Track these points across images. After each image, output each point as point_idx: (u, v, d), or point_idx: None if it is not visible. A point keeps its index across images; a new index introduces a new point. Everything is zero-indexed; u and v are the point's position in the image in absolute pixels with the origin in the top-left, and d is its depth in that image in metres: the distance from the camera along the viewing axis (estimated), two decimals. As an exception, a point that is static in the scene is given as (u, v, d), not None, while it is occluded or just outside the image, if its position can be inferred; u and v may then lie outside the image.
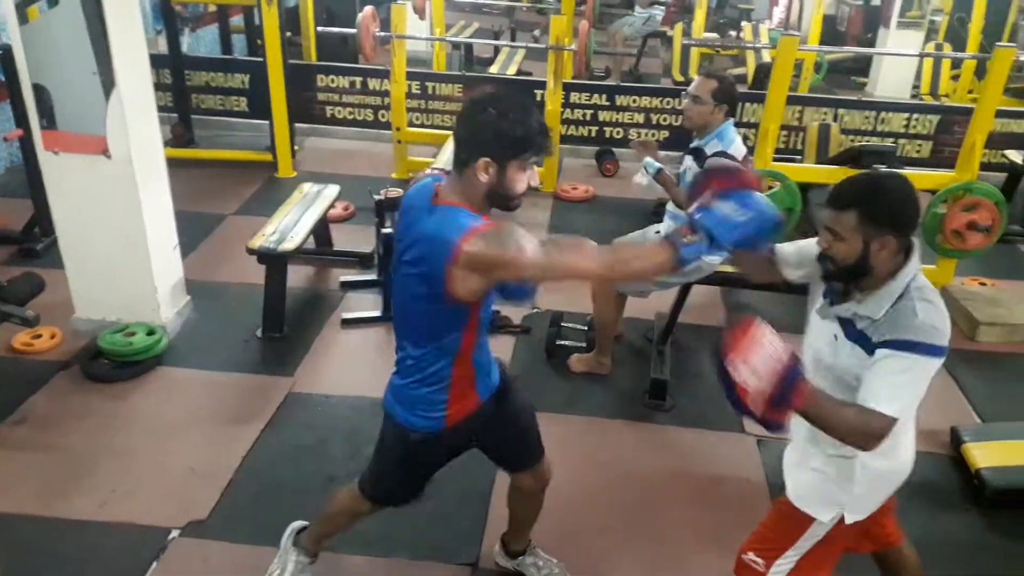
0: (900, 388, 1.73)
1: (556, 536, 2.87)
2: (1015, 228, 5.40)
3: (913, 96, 8.62)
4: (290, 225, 4.13)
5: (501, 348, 3.98)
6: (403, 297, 1.99)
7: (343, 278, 4.51)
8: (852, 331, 1.86)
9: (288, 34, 6.52)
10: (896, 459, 1.97)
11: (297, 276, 4.48)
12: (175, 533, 2.78)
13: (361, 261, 4.74)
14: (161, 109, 4.01)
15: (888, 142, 6.53)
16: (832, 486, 1.97)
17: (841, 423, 1.70)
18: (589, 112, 6.75)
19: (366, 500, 2.31)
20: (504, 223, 1.84)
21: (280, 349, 3.92)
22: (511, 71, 8.02)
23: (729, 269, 3.66)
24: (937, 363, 1.74)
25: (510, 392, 2.25)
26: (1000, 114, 6.05)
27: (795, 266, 2.07)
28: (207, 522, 2.84)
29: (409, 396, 2.08)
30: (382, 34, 5.92)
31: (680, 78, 8.41)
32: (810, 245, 1.99)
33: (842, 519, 1.97)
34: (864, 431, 1.70)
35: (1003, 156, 6.01)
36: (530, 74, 8.11)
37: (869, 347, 1.80)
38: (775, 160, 4.72)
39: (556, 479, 3.13)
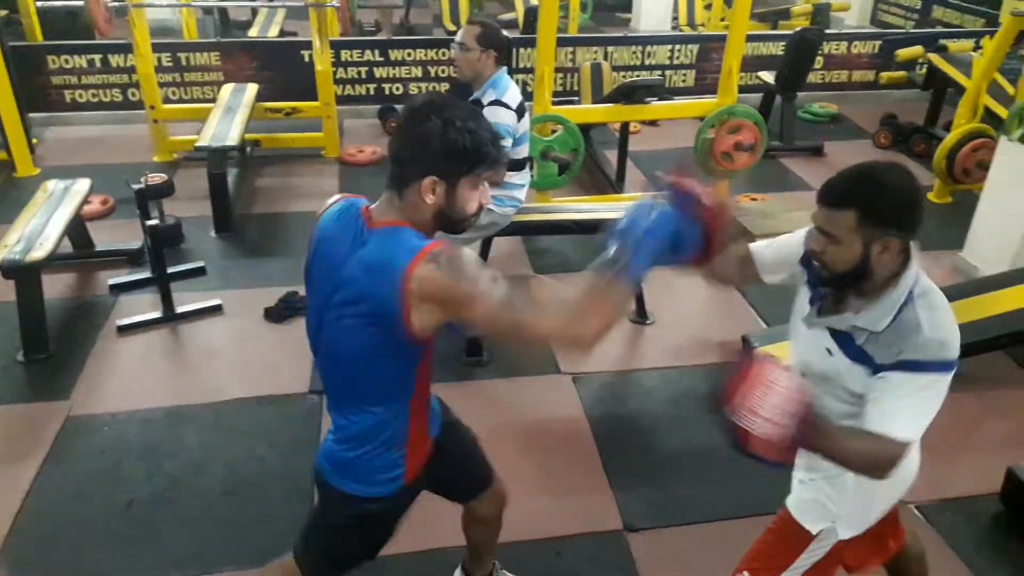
0: (915, 411, 1.56)
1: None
2: (775, 144, 5.85)
3: (673, 28, 9.08)
4: (37, 230, 3.64)
5: (299, 332, 3.75)
6: (339, 351, 1.66)
7: (112, 280, 4.07)
8: (852, 348, 1.65)
9: (4, 12, 5.72)
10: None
11: (57, 286, 4.01)
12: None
13: (130, 258, 4.29)
14: None
15: (656, 74, 6.83)
16: (824, 498, 1.81)
17: (854, 454, 1.56)
18: (364, 69, 6.50)
19: None
20: (464, 251, 1.60)
21: (49, 371, 3.48)
22: (272, 32, 7.57)
23: (525, 218, 3.67)
24: (950, 377, 1.57)
25: (451, 420, 2.05)
26: (750, 39, 6.50)
27: (773, 270, 1.88)
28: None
29: (360, 467, 1.76)
30: (116, 4, 5.29)
31: (452, 27, 8.31)
32: (789, 245, 1.81)
33: (839, 534, 1.82)
34: (877, 460, 1.55)
35: (757, 78, 6.48)
36: (295, 34, 7.70)
37: (872, 366, 1.61)
38: (554, 103, 4.76)
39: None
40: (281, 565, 1.98)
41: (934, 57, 5.97)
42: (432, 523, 2.73)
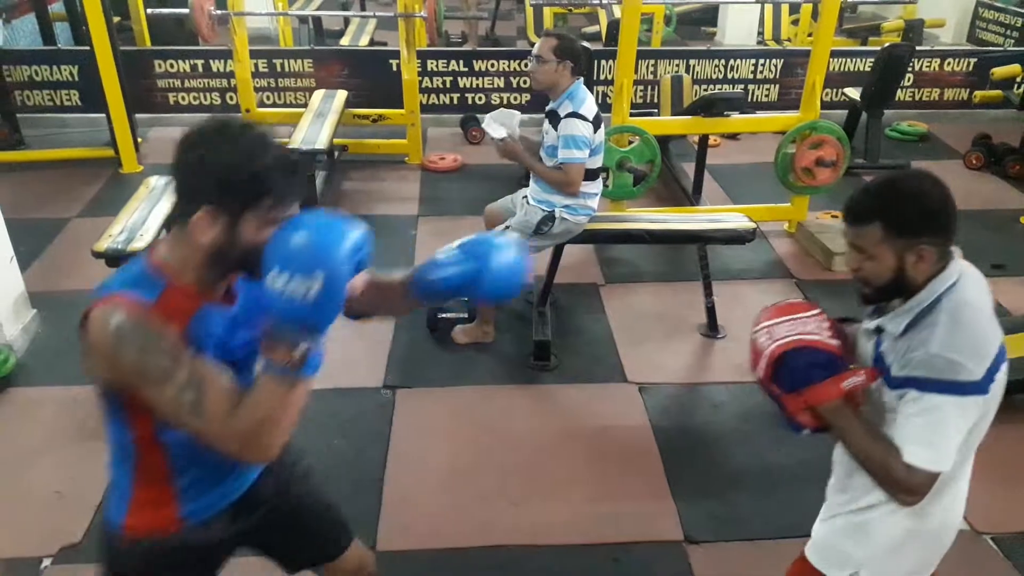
0: (923, 433, 1.47)
1: (453, 506, 2.86)
2: (859, 161, 5.72)
3: (758, 42, 8.97)
4: (139, 222, 3.87)
5: (380, 327, 3.89)
6: None
7: (205, 273, 4.28)
8: (876, 350, 1.61)
9: (117, 19, 6.09)
10: (925, 519, 1.62)
11: (155, 276, 4.22)
12: (47, 562, 2.63)
13: (223, 253, 4.50)
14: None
15: (739, 88, 6.78)
16: (847, 541, 1.71)
17: (869, 455, 1.51)
18: (448, 79, 6.66)
19: None
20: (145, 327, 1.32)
21: (144, 355, 3.68)
22: (363, 42, 7.81)
23: (598, 226, 3.72)
24: (963, 400, 1.46)
25: (275, 494, 1.78)
26: (836, 54, 6.38)
27: None
28: (82, 545, 2.68)
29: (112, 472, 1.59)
30: (219, 12, 5.59)
31: (536, 39, 8.40)
32: None
33: None
34: (890, 475, 1.49)
35: (843, 94, 6.36)
36: (384, 44, 7.93)
37: (886, 371, 1.56)
38: (632, 115, 4.79)
39: (450, 452, 3.15)
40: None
41: (1033, 76, 5.76)
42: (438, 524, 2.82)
